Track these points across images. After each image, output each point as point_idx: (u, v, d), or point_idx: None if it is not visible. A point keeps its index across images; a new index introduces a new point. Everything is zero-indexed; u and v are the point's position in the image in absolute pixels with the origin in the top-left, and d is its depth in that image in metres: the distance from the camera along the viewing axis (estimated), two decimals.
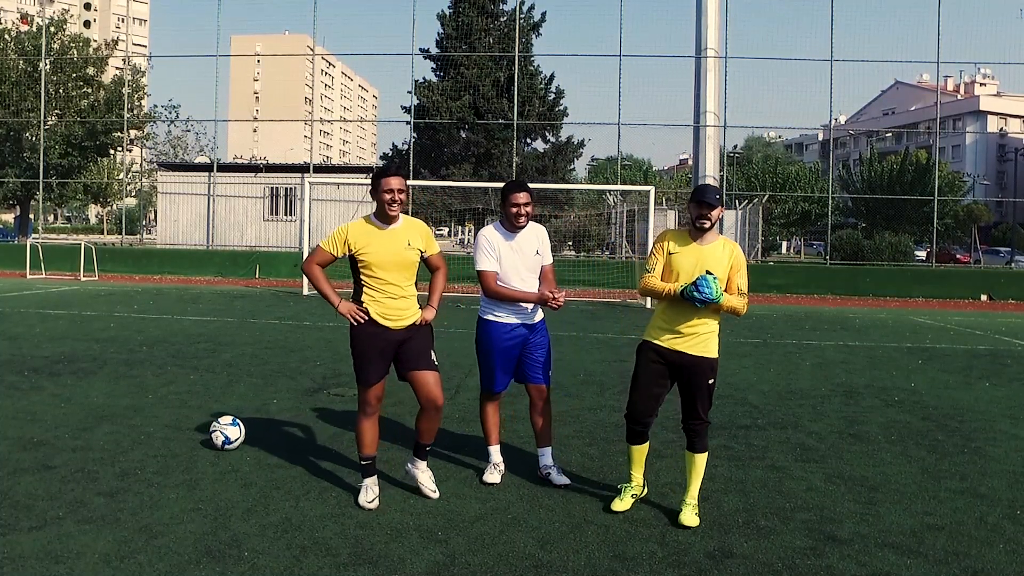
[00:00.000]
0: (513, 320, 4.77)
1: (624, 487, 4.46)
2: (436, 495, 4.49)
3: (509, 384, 4.89)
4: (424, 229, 4.47)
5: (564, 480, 4.81)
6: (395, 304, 4.34)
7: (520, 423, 6.13)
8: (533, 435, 4.98)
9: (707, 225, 4.19)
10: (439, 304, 4.57)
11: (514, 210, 4.66)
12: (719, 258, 4.23)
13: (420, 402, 4.43)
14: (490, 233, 4.78)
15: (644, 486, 4.53)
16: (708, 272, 4.12)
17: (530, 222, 4.85)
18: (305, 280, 18.47)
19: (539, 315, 4.91)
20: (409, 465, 4.62)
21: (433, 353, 4.45)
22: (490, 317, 4.80)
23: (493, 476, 4.85)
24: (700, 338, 4.26)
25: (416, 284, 4.48)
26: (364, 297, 4.33)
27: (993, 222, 51.53)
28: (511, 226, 4.74)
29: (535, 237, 4.83)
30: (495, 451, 4.95)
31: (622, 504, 4.34)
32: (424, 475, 4.55)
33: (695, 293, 4.07)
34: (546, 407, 4.94)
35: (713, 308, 4.20)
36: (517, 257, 4.74)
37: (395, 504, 4.42)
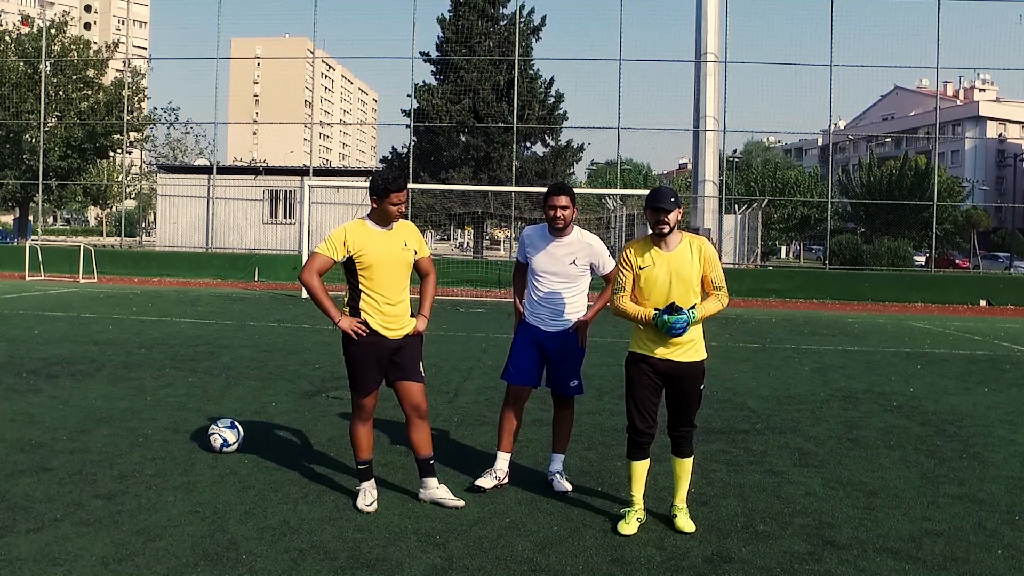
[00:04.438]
0: (532, 321, 4.79)
1: (627, 511, 4.25)
2: (462, 503, 4.44)
3: (527, 385, 4.78)
4: (416, 231, 4.53)
5: (564, 487, 4.76)
6: (393, 311, 4.34)
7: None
8: (534, 440, 4.95)
9: (666, 230, 4.07)
10: (430, 313, 4.59)
11: (551, 212, 4.70)
12: (689, 262, 4.12)
13: (405, 410, 4.48)
14: (528, 230, 4.96)
15: (644, 510, 4.31)
16: (676, 309, 4.03)
17: (584, 232, 4.83)
18: None
19: (564, 324, 4.78)
20: (422, 490, 4.52)
21: (422, 364, 4.48)
22: (522, 311, 4.90)
23: (486, 481, 4.71)
24: (690, 344, 4.19)
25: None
26: (362, 304, 4.32)
27: (992, 227, 51.62)
28: (551, 228, 4.75)
29: (581, 249, 4.74)
30: (502, 458, 4.80)
31: (628, 528, 4.14)
32: (440, 491, 4.48)
33: (671, 331, 4.05)
34: (566, 415, 4.92)
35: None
36: (549, 260, 4.74)
37: (393, 508, 4.41)
